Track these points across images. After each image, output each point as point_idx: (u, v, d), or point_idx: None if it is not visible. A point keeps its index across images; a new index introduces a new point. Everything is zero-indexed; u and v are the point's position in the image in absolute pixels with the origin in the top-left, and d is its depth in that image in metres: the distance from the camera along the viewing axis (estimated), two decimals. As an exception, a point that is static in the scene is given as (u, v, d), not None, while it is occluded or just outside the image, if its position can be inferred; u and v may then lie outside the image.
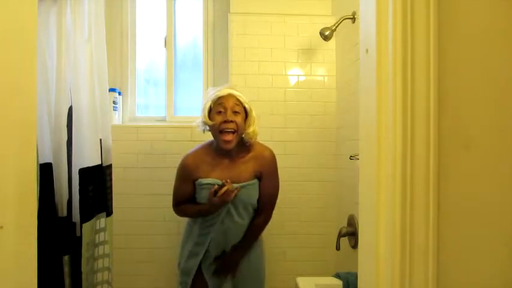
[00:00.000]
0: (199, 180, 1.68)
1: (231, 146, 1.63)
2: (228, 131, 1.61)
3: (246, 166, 1.69)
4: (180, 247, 1.84)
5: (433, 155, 0.76)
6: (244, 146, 1.73)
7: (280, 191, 2.28)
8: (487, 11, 0.79)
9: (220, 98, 1.64)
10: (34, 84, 0.86)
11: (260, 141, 1.80)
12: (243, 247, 1.73)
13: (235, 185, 1.61)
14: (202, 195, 1.67)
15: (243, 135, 1.70)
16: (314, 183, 2.31)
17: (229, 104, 1.63)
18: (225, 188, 1.57)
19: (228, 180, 1.59)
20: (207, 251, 1.72)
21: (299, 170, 2.31)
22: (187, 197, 1.73)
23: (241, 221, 1.70)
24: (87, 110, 1.73)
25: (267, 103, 2.29)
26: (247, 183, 1.67)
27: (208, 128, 1.70)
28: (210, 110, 1.67)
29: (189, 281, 1.74)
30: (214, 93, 1.67)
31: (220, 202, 1.60)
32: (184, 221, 1.89)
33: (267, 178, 1.72)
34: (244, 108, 1.67)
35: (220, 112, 1.63)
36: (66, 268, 1.65)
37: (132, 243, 2.32)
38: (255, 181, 1.70)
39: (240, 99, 1.66)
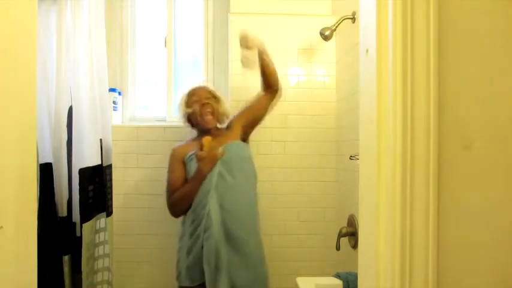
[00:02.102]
0: (187, 155, 1.80)
1: (213, 123, 1.85)
2: (208, 111, 1.82)
3: (226, 136, 1.85)
4: (176, 261, 1.80)
5: (433, 155, 0.76)
6: (221, 128, 1.93)
7: (281, 191, 2.29)
8: (487, 10, 0.79)
9: (192, 90, 1.88)
10: (34, 84, 0.86)
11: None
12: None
13: (220, 148, 1.74)
14: (192, 167, 1.75)
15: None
16: (314, 183, 2.31)
17: (202, 94, 1.86)
18: (209, 139, 1.74)
19: (216, 144, 1.75)
20: (205, 235, 1.67)
21: (299, 170, 2.31)
22: (180, 182, 1.80)
23: (234, 180, 1.72)
24: (87, 110, 1.73)
25: (267, 103, 2.29)
26: (229, 143, 1.78)
27: (190, 125, 1.91)
28: (186, 104, 1.86)
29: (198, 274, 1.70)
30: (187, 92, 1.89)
31: (208, 155, 1.70)
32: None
33: (247, 109, 1.90)
34: (215, 97, 1.88)
35: (195, 101, 1.84)
36: (66, 268, 1.65)
37: (132, 243, 2.32)
38: (234, 141, 1.81)
39: (210, 89, 1.89)
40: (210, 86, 1.94)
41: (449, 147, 0.77)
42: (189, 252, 1.72)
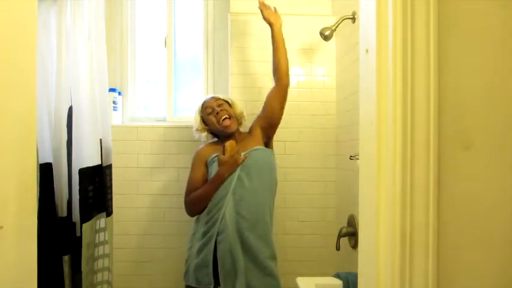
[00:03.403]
0: (210, 157, 1.84)
1: (233, 127, 1.85)
2: (225, 118, 1.83)
3: (249, 140, 1.85)
4: (185, 259, 1.82)
5: (433, 155, 0.76)
6: (244, 132, 1.95)
7: (281, 191, 2.28)
8: (487, 10, 0.79)
9: (204, 103, 1.91)
10: (34, 84, 0.86)
11: None
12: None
13: (243, 153, 1.76)
14: (213, 170, 1.78)
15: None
16: (314, 183, 2.31)
17: (213, 104, 1.88)
18: (233, 144, 1.77)
19: (238, 148, 1.77)
20: (216, 242, 1.68)
21: (299, 170, 2.31)
22: (200, 182, 1.83)
23: (251, 186, 1.72)
24: (87, 110, 1.73)
25: (267, 103, 2.29)
26: (253, 148, 1.80)
27: (205, 136, 1.95)
28: (202, 118, 1.92)
29: (210, 272, 1.69)
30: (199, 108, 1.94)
31: (229, 160, 1.72)
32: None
33: (264, 109, 1.89)
34: (227, 102, 1.92)
35: (209, 113, 1.87)
36: (66, 268, 1.64)
37: (132, 243, 2.32)
38: (258, 147, 1.81)
39: (221, 97, 1.93)
40: (218, 95, 1.97)
41: (449, 147, 0.77)
42: (199, 251, 1.74)
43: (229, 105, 1.92)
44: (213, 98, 1.92)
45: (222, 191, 1.73)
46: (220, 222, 1.69)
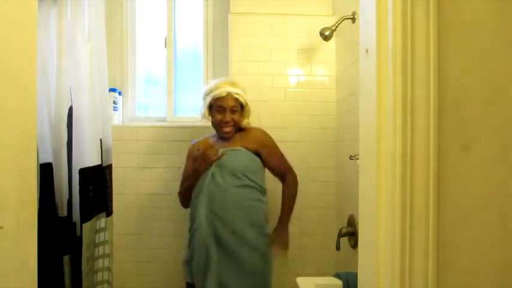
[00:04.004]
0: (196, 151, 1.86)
1: (230, 135, 1.85)
2: (229, 126, 1.82)
3: (238, 140, 1.85)
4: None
5: (433, 155, 0.76)
6: (241, 132, 1.90)
7: (281, 191, 2.28)
8: (487, 10, 0.79)
9: (219, 98, 1.82)
10: (34, 84, 0.86)
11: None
12: (285, 213, 1.87)
13: (221, 150, 1.77)
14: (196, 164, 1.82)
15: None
16: (314, 183, 2.31)
17: (229, 104, 1.81)
18: (206, 144, 1.80)
19: (214, 145, 1.81)
20: (196, 233, 1.71)
21: (299, 170, 2.30)
22: (187, 177, 1.88)
23: (224, 184, 1.70)
24: (87, 110, 1.73)
25: (267, 103, 2.29)
26: (230, 148, 1.79)
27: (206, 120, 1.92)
28: (210, 105, 1.85)
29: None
30: (214, 89, 1.83)
31: (200, 156, 1.76)
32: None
33: (270, 151, 1.87)
34: (241, 105, 1.86)
35: (220, 110, 1.82)
36: (66, 268, 1.64)
37: (132, 243, 2.32)
38: (240, 148, 1.80)
39: (238, 97, 1.83)
40: (239, 91, 1.84)
41: (449, 148, 0.77)
42: (187, 247, 1.80)
43: (242, 107, 1.86)
44: (230, 95, 1.81)
45: (198, 187, 1.77)
46: (196, 217, 1.73)
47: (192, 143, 1.98)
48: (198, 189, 1.76)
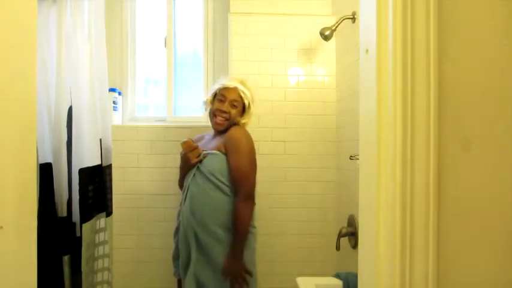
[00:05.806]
0: None
1: (221, 128, 1.81)
2: (223, 116, 1.79)
3: (216, 141, 1.83)
4: None
5: (433, 155, 0.76)
6: (225, 131, 1.80)
7: (281, 191, 2.28)
8: (487, 11, 0.79)
9: (225, 88, 1.82)
10: (34, 84, 0.86)
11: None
12: (234, 241, 1.65)
13: (203, 153, 1.77)
14: None
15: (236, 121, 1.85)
16: (314, 183, 2.31)
17: (231, 96, 1.81)
18: (187, 142, 1.77)
19: (195, 144, 1.80)
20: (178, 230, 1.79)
21: (299, 170, 2.31)
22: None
23: (203, 185, 1.70)
24: (87, 110, 1.73)
25: (267, 103, 2.29)
26: (208, 151, 1.77)
27: (206, 108, 1.91)
28: (215, 94, 1.86)
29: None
30: (225, 81, 1.87)
31: (183, 157, 1.79)
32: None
33: (229, 155, 1.72)
34: (244, 103, 1.83)
35: (221, 100, 1.81)
36: (66, 268, 1.64)
37: (132, 243, 2.32)
38: (217, 152, 1.74)
39: (242, 95, 1.82)
40: (245, 90, 1.82)
41: (449, 147, 0.77)
42: (175, 243, 1.86)
43: (244, 108, 1.83)
44: (236, 89, 1.80)
45: (185, 184, 1.81)
46: (179, 216, 1.79)
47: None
48: (184, 189, 1.82)
